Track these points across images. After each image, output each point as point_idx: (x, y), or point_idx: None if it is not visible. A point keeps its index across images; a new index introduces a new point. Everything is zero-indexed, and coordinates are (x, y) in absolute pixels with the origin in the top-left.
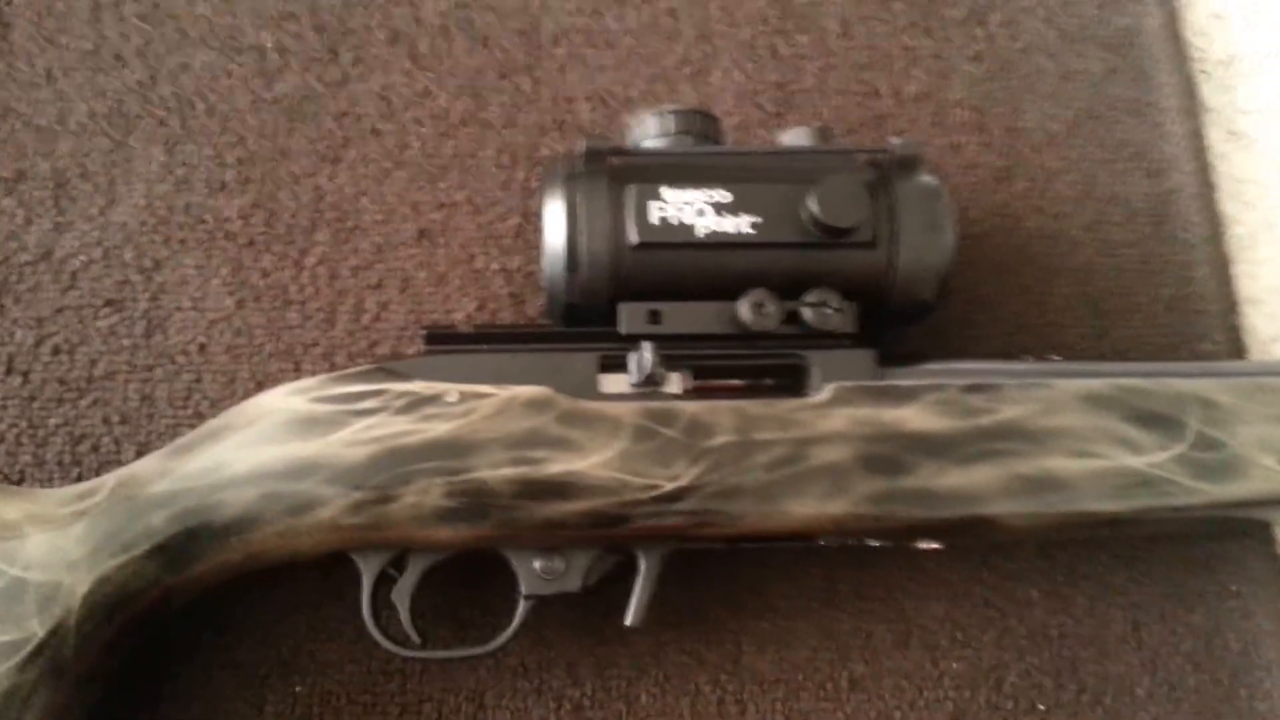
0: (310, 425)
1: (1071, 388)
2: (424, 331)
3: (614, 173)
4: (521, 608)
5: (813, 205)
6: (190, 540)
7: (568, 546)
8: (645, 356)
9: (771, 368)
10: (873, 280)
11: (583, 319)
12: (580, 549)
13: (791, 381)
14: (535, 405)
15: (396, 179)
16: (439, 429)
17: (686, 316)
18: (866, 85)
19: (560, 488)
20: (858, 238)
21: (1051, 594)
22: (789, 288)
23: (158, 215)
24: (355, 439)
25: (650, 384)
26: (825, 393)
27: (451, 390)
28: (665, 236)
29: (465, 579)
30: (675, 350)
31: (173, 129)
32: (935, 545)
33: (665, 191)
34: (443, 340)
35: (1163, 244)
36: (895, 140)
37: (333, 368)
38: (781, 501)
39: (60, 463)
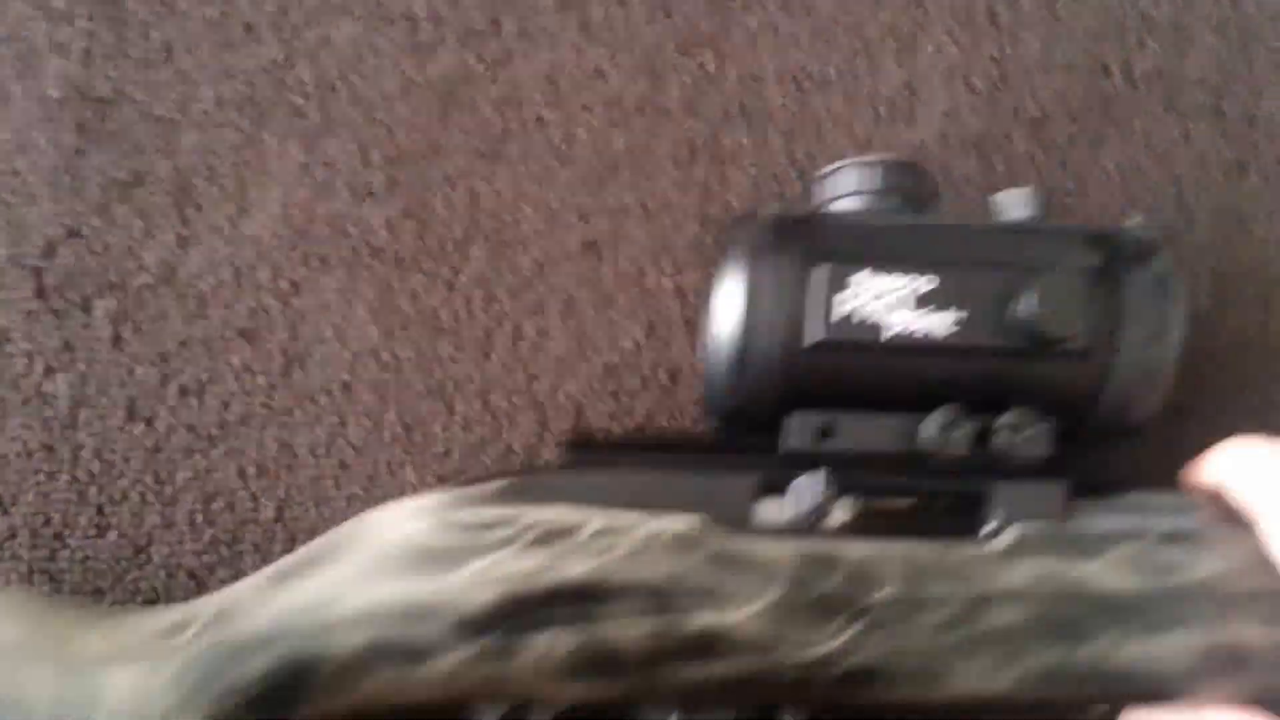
0: (431, 559)
1: None
2: (564, 441)
3: (804, 250)
4: None
5: (1029, 306)
6: (291, 689)
7: (705, 705)
8: (818, 488)
9: (944, 494)
10: (1079, 397)
11: (748, 424)
12: (718, 708)
13: (960, 506)
14: (684, 542)
15: (561, 179)
16: (573, 570)
17: (861, 432)
18: (1094, 60)
19: (705, 644)
20: (1069, 346)
21: None
22: (977, 401)
23: (295, 227)
24: (481, 578)
25: (815, 516)
26: (1007, 538)
27: (591, 520)
28: (849, 334)
29: None
30: (845, 474)
31: (311, 119)
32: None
33: (858, 278)
34: (585, 450)
35: None
36: (1132, 220)
37: (486, 406)
38: (944, 671)
39: (192, 523)
